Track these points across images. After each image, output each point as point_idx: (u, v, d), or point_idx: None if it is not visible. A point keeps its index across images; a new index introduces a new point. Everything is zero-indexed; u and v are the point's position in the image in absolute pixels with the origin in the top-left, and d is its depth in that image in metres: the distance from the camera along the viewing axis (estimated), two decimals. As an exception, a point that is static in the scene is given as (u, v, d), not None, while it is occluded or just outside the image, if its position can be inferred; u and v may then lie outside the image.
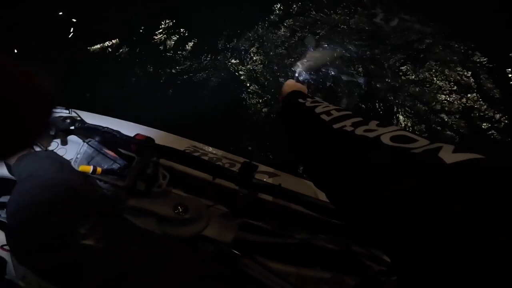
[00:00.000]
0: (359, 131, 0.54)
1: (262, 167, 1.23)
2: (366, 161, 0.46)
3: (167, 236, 1.00)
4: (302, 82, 1.23)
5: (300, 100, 0.84)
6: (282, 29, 2.49)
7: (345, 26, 2.58)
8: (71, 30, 2.51)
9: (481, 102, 2.31)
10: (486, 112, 2.28)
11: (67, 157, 1.32)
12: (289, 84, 1.13)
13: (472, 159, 0.36)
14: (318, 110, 0.71)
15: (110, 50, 2.34)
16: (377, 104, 2.31)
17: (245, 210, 1.22)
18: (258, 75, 2.06)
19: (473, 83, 2.38)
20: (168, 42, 2.33)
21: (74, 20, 2.56)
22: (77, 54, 2.34)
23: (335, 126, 0.60)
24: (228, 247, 1.01)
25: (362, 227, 0.50)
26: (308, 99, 0.83)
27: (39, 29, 2.56)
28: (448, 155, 0.37)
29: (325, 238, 1.29)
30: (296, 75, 1.79)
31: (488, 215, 0.29)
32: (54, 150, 1.34)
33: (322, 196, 1.24)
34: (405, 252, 0.36)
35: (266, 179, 1.21)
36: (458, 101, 2.31)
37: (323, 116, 0.67)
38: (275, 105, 2.00)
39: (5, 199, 1.38)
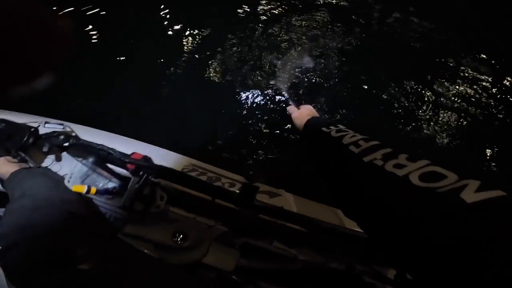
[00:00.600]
0: (389, 166, 0.56)
1: (264, 187, 1.19)
2: (395, 202, 0.50)
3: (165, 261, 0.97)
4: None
5: (324, 129, 0.83)
6: (286, 45, 2.46)
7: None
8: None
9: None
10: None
11: (62, 172, 1.28)
12: (305, 111, 1.13)
13: (492, 198, 0.39)
14: (345, 140, 0.72)
15: (110, 61, 2.29)
16: (377, 112, 2.27)
17: (247, 230, 1.19)
18: (258, 92, 2.02)
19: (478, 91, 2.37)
20: (169, 57, 2.28)
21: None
22: (74, 63, 2.29)
23: (366, 159, 0.61)
24: (229, 274, 0.97)
25: (386, 248, 0.55)
26: (332, 127, 0.83)
27: None
28: (470, 194, 0.41)
29: (328, 257, 1.26)
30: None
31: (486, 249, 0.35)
32: (49, 167, 1.30)
33: (323, 216, 1.21)
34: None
35: (267, 199, 1.17)
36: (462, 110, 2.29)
37: (352, 148, 0.67)
38: (275, 122, 1.97)
39: None
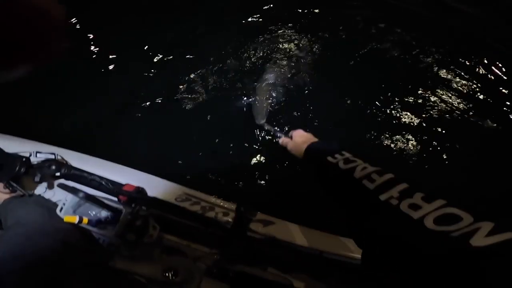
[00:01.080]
0: (404, 206, 0.57)
1: (258, 215, 1.19)
2: (409, 244, 0.53)
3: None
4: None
5: (330, 159, 0.84)
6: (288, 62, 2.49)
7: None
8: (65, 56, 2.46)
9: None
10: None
11: (55, 199, 1.28)
12: (299, 139, 1.14)
13: (501, 242, 0.42)
14: (357, 174, 0.72)
15: (105, 85, 2.30)
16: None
17: (240, 257, 1.18)
18: (251, 117, 2.02)
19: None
20: (163, 84, 2.29)
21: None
22: (67, 84, 2.29)
23: (382, 197, 0.63)
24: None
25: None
26: (337, 155, 0.83)
27: None
28: (480, 239, 0.44)
29: (324, 284, 1.25)
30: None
31: None
32: (41, 194, 1.29)
33: (318, 243, 1.21)
34: None
35: (260, 228, 1.16)
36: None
37: (366, 183, 0.68)
38: (269, 148, 1.96)
39: None
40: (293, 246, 1.13)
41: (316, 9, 2.94)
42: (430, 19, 2.97)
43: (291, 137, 1.22)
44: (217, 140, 2.01)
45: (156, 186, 1.24)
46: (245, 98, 2.20)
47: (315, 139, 1.12)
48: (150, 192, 1.17)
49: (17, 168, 1.20)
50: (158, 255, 1.06)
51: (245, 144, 1.99)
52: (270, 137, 1.97)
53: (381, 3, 3.05)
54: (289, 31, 2.73)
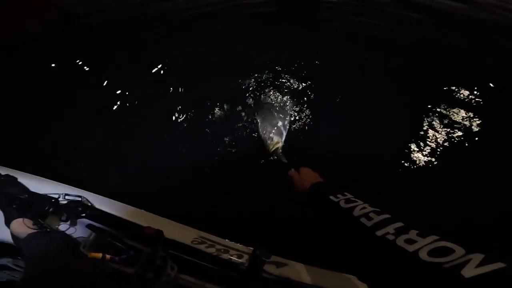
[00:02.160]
0: (400, 241, 0.62)
1: (272, 257, 1.22)
2: (404, 276, 0.56)
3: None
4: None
5: (332, 198, 0.89)
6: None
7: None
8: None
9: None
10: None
11: (77, 235, 1.33)
12: (307, 176, 1.19)
13: (490, 272, 0.47)
14: (356, 212, 0.78)
15: (128, 128, 2.44)
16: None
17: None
18: (265, 156, 2.10)
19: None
20: (180, 129, 2.40)
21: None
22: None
23: (378, 233, 0.67)
24: None
25: None
26: (339, 196, 0.89)
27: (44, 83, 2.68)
28: (470, 270, 0.48)
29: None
30: None
31: None
32: (65, 231, 1.36)
33: (333, 284, 1.23)
34: None
35: (274, 269, 1.19)
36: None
37: (364, 220, 0.73)
38: (283, 190, 2.01)
39: (3, 261, 1.41)
40: (306, 286, 1.16)
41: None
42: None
43: (298, 172, 1.28)
44: (226, 178, 2.10)
45: (173, 230, 1.30)
46: (252, 130, 2.29)
47: (321, 179, 1.17)
48: (168, 235, 1.23)
49: (46, 208, 1.29)
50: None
51: (252, 182, 2.06)
52: (276, 173, 2.03)
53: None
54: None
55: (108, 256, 1.08)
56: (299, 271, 1.24)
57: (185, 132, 2.35)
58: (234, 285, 1.17)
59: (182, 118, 2.42)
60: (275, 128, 2.09)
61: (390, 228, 0.67)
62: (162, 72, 2.81)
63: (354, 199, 0.86)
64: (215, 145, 2.24)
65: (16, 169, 1.51)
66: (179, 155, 2.22)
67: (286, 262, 1.25)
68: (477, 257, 0.50)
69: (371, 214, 0.74)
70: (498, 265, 0.47)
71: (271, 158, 2.02)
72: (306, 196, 1.10)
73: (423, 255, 0.56)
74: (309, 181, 1.12)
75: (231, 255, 1.21)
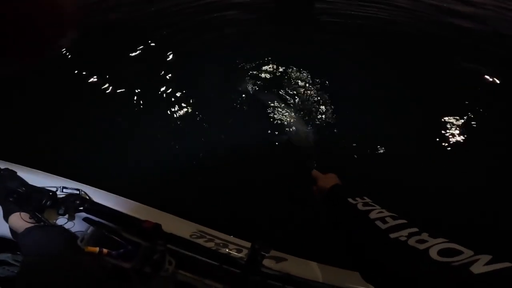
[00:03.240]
0: (412, 241, 0.62)
1: (271, 252, 1.21)
2: (413, 272, 0.56)
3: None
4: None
5: (350, 201, 0.88)
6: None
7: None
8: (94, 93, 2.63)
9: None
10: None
11: (75, 229, 1.33)
12: (331, 179, 1.16)
13: (497, 270, 0.47)
14: (372, 215, 0.77)
15: (128, 123, 2.43)
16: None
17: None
18: (266, 153, 2.09)
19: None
20: (182, 123, 2.41)
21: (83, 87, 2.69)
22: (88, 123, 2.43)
23: (392, 236, 0.67)
24: None
25: None
26: (358, 199, 0.88)
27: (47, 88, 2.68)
28: (479, 267, 0.48)
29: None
30: None
31: None
32: (62, 225, 1.35)
33: (332, 279, 1.22)
34: None
35: (273, 264, 1.18)
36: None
37: (378, 223, 0.72)
38: (285, 186, 2.00)
39: (2, 256, 1.40)
40: (307, 281, 1.14)
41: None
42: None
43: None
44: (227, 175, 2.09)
45: (172, 223, 1.29)
46: (252, 128, 2.30)
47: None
48: (166, 229, 1.22)
49: (43, 201, 1.28)
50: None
51: (255, 179, 2.05)
52: (276, 169, 2.04)
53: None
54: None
55: (105, 251, 1.07)
56: (298, 266, 1.23)
57: (184, 127, 2.35)
58: (233, 280, 1.16)
59: (180, 113, 2.42)
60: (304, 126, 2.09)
61: (404, 232, 0.66)
62: (160, 69, 2.80)
63: (372, 203, 0.85)
64: (214, 140, 2.24)
65: (15, 163, 1.50)
66: (179, 149, 2.22)
67: (285, 256, 1.24)
68: (485, 257, 0.50)
69: (387, 219, 0.73)
70: (507, 264, 0.47)
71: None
72: (324, 196, 1.09)
73: (433, 254, 0.56)
74: (331, 182, 1.11)
75: (230, 249, 1.20)
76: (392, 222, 0.71)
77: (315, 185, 1.22)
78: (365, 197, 0.90)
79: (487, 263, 0.49)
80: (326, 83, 2.66)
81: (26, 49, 0.41)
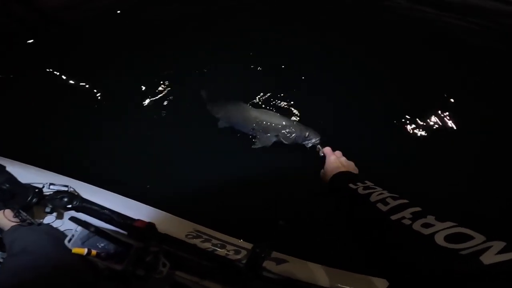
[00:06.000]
0: (417, 225, 0.58)
1: (272, 254, 1.15)
2: (417, 260, 0.52)
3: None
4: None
5: (351, 186, 0.86)
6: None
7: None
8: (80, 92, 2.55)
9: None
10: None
11: (63, 228, 1.27)
12: (334, 163, 1.16)
13: (510, 260, 0.42)
14: (373, 198, 0.74)
15: (118, 119, 2.35)
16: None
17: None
18: (265, 150, 2.03)
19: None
20: (174, 119, 2.33)
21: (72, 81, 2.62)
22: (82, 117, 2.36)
23: (393, 217, 0.64)
24: None
25: None
26: (359, 183, 0.86)
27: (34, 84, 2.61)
28: (490, 256, 0.43)
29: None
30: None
31: None
32: (50, 224, 1.28)
33: (334, 281, 1.16)
34: None
35: (274, 267, 1.12)
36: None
37: (380, 206, 0.70)
38: (283, 183, 1.95)
39: None
40: (308, 286, 1.09)
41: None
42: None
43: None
44: (227, 175, 2.02)
45: (166, 222, 1.22)
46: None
47: (349, 168, 1.14)
48: (161, 228, 1.16)
49: (29, 199, 1.20)
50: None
51: (254, 179, 2.00)
52: (276, 168, 2.00)
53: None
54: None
55: (93, 252, 1.00)
56: (300, 267, 1.17)
57: (180, 122, 2.29)
58: (231, 283, 1.09)
59: (175, 108, 2.37)
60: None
61: (406, 213, 0.63)
62: (152, 67, 2.73)
63: (373, 186, 0.83)
64: (210, 135, 2.18)
65: (6, 158, 1.43)
66: (174, 145, 2.16)
67: (287, 258, 1.18)
68: (499, 244, 0.45)
69: (388, 200, 0.71)
70: None
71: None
72: (328, 183, 1.08)
73: (439, 239, 0.52)
74: (339, 166, 1.13)
75: (228, 251, 1.14)
76: (393, 203, 0.69)
77: (322, 169, 1.21)
78: (366, 181, 0.89)
79: (500, 252, 0.44)
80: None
81: None
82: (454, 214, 0.61)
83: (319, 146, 1.73)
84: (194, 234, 1.17)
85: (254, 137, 2.09)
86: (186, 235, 1.17)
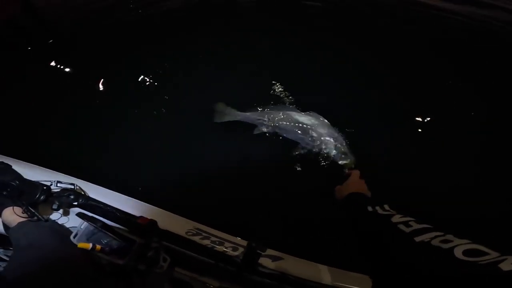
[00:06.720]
0: (436, 241, 0.59)
1: (268, 251, 1.20)
2: (437, 270, 0.54)
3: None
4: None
5: (370, 209, 0.85)
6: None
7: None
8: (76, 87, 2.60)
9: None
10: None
11: (69, 225, 1.32)
12: (358, 184, 1.17)
13: None
14: (394, 219, 0.73)
15: (123, 118, 2.39)
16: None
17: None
18: (264, 150, 2.06)
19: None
20: (176, 118, 2.37)
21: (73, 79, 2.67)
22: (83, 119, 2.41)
23: (417, 239, 0.63)
24: None
25: None
26: (377, 207, 0.85)
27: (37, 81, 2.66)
28: (508, 265, 0.46)
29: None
30: None
31: None
32: (56, 220, 1.33)
33: (328, 278, 1.21)
34: None
35: (269, 263, 1.17)
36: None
37: (402, 227, 0.69)
38: (283, 183, 1.98)
39: None
40: (303, 281, 1.13)
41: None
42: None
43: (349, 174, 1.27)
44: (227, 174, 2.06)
45: (167, 220, 1.27)
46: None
47: (364, 191, 1.14)
48: (162, 226, 1.21)
49: (37, 196, 1.26)
50: (167, 286, 1.07)
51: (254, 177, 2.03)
52: (276, 167, 2.02)
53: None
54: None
55: (98, 247, 1.05)
56: (295, 265, 1.22)
57: (180, 122, 2.32)
58: (229, 278, 1.14)
59: (178, 110, 2.39)
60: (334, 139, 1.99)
61: (430, 235, 0.63)
62: (153, 68, 2.75)
63: (392, 210, 0.82)
64: (210, 135, 2.21)
65: (11, 157, 1.48)
66: (175, 145, 2.19)
67: (282, 255, 1.23)
68: None
69: (411, 223, 0.70)
70: None
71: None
72: (343, 201, 1.08)
73: (458, 253, 0.54)
74: (350, 190, 1.11)
75: (226, 247, 1.19)
76: (416, 226, 0.68)
77: (339, 185, 1.22)
78: (385, 205, 0.87)
79: None
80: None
81: None
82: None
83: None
84: (194, 232, 1.22)
85: (297, 143, 2.06)
86: (186, 232, 1.22)
